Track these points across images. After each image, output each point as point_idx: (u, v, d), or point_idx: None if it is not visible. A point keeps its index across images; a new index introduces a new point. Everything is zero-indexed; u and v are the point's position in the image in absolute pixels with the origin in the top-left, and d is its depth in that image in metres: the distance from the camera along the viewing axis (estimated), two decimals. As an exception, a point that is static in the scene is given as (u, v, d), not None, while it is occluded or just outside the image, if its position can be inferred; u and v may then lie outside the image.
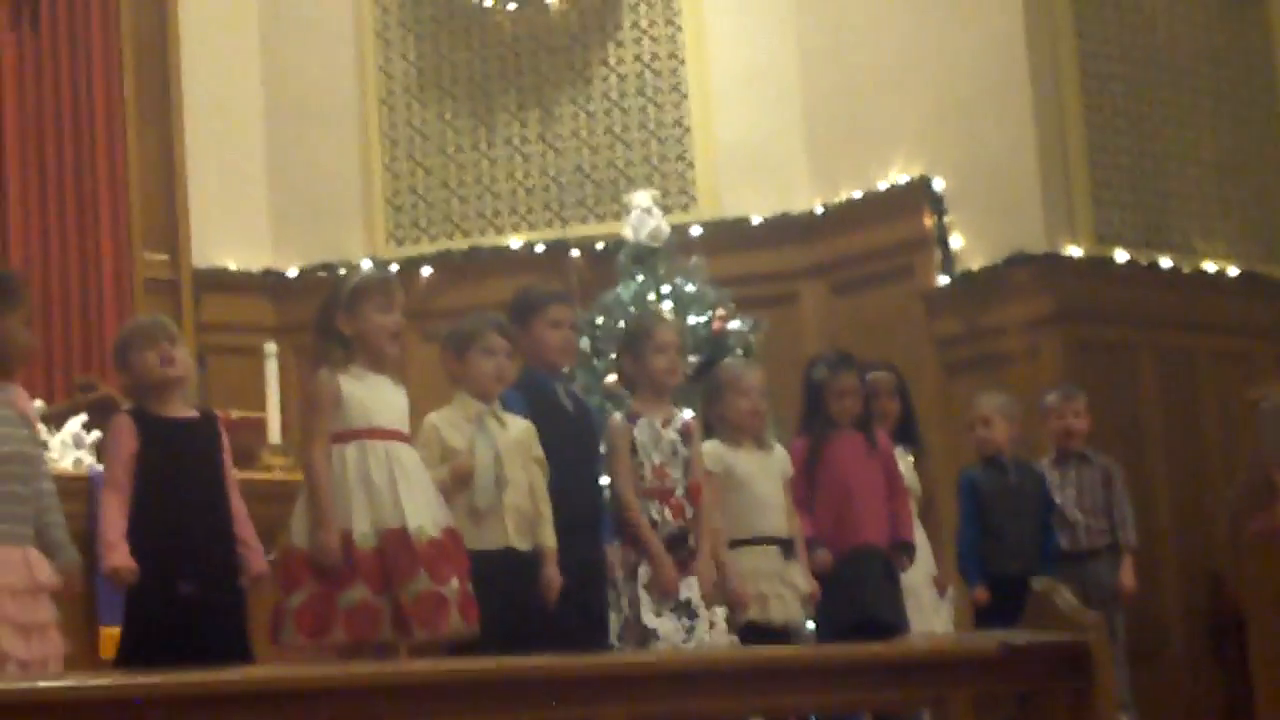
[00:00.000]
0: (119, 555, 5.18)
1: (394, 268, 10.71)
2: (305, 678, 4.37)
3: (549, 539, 5.78)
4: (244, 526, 5.50)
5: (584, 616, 5.97)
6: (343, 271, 10.55)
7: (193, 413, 5.56)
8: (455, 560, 5.36)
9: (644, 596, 6.04)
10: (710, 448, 6.43)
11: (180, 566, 5.25)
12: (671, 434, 6.24)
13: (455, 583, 5.31)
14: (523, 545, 5.74)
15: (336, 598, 5.24)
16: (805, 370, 6.89)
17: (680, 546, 6.12)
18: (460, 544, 5.43)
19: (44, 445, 5.45)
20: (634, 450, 6.21)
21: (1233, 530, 9.33)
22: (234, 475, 5.60)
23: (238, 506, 5.51)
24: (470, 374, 5.84)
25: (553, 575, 5.74)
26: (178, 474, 5.35)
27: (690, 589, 6.10)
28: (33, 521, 5.13)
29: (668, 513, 6.14)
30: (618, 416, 6.36)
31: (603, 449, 6.36)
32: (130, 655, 5.24)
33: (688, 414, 6.38)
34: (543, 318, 6.22)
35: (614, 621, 6.14)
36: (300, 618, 5.25)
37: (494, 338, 5.86)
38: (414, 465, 5.44)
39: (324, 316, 5.56)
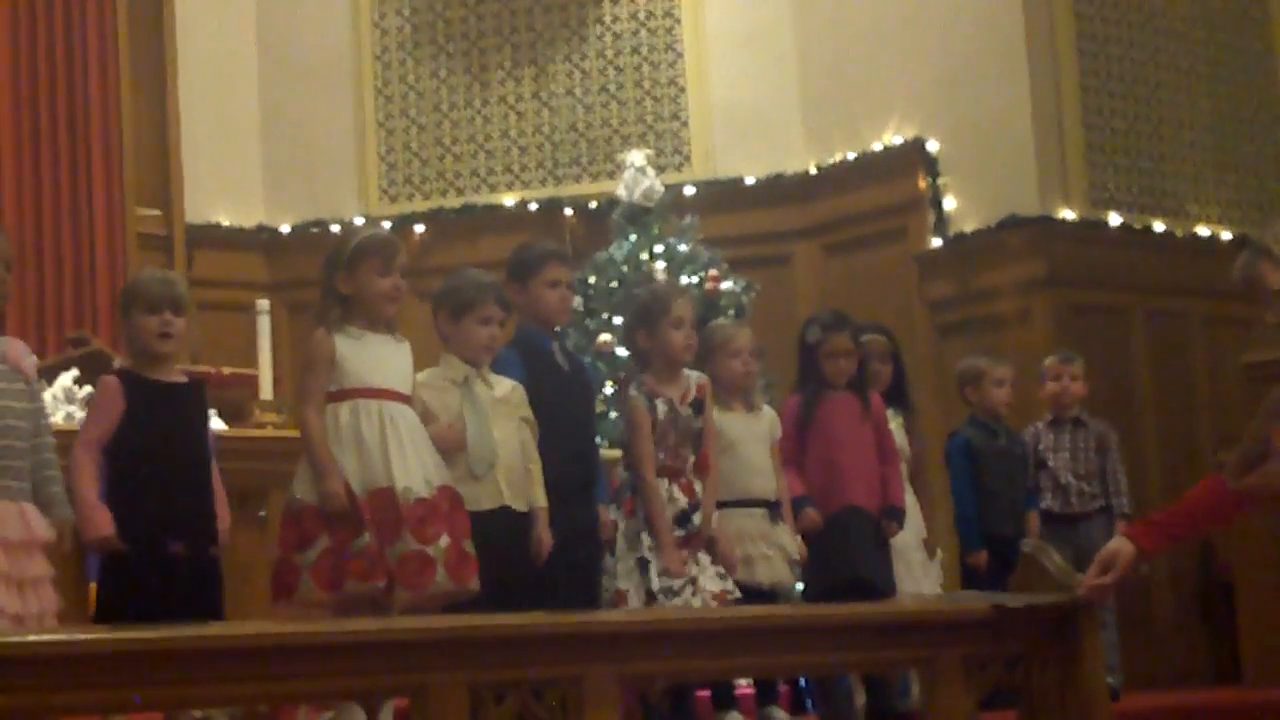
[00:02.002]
0: (102, 523, 5.17)
1: (387, 225, 10.68)
2: (301, 634, 4.38)
3: (540, 498, 5.78)
4: (218, 499, 5.49)
5: (575, 576, 5.98)
6: (335, 228, 10.56)
7: (181, 378, 5.55)
8: (448, 519, 5.36)
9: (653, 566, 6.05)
10: (700, 409, 6.43)
11: (168, 527, 5.25)
12: (687, 410, 6.22)
13: (444, 541, 5.30)
14: (518, 505, 5.74)
15: (348, 545, 5.24)
16: (800, 331, 6.89)
17: (686, 523, 6.12)
18: (457, 503, 5.42)
19: (40, 400, 5.41)
20: (652, 429, 6.18)
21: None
22: (212, 447, 5.57)
23: (215, 479, 5.49)
24: (463, 339, 5.82)
25: (543, 535, 5.75)
26: (162, 437, 5.34)
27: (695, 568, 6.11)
28: (29, 477, 5.13)
29: (677, 490, 6.14)
30: (639, 397, 6.26)
31: (612, 419, 6.34)
32: (110, 613, 5.22)
33: (697, 376, 6.34)
34: (541, 276, 6.19)
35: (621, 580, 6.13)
36: (318, 572, 5.23)
37: (493, 308, 5.84)
38: (409, 425, 5.42)
39: (325, 275, 5.56)
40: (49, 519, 5.12)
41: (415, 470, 5.34)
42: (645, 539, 6.06)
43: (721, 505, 6.30)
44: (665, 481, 6.14)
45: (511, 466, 5.75)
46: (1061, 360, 8.06)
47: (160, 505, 5.24)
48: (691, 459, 6.21)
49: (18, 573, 4.97)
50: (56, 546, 5.17)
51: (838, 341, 6.73)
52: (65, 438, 5.40)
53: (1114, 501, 7.89)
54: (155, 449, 5.30)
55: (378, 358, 5.46)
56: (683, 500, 6.13)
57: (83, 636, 4.16)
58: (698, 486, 6.18)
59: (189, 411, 5.48)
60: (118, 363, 5.66)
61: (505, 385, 5.87)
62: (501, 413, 5.79)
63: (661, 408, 6.18)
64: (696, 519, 6.14)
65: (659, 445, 6.16)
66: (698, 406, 6.25)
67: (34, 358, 5.35)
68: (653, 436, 6.15)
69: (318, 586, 5.23)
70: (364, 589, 5.25)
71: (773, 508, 6.45)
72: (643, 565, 6.03)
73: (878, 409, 6.81)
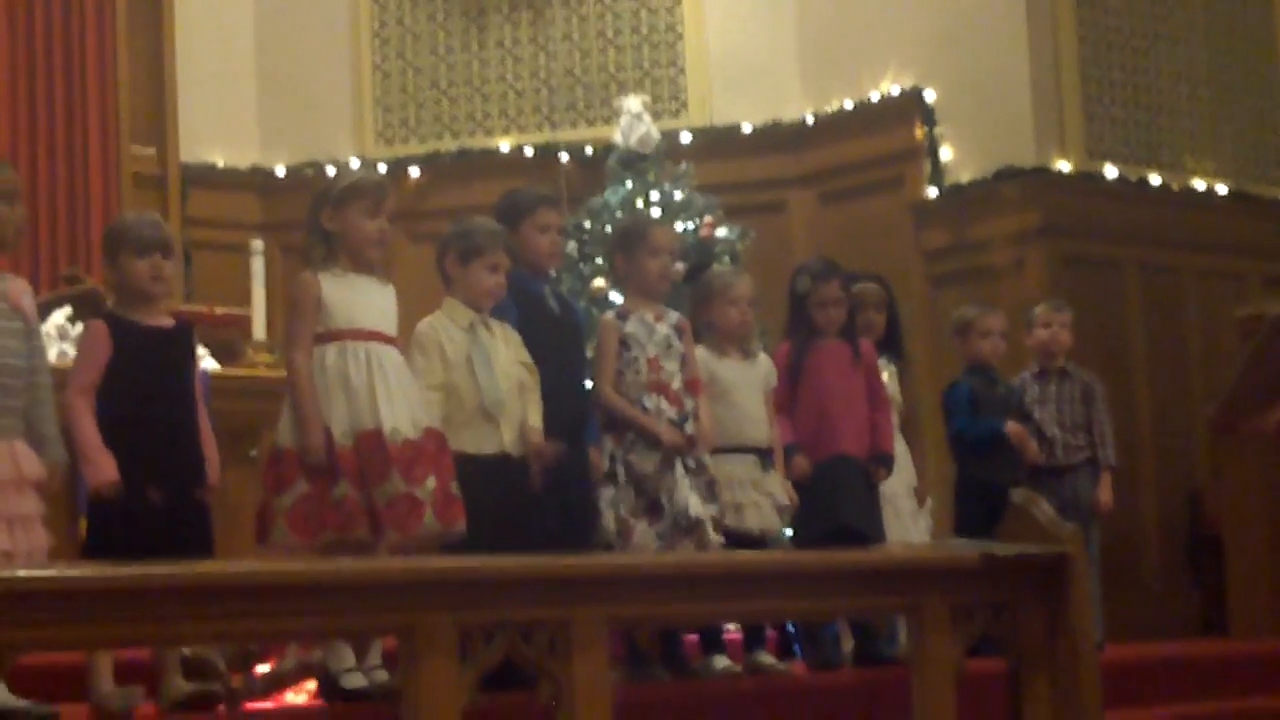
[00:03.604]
0: (108, 468, 5.17)
1: (382, 167, 10.69)
2: (291, 573, 4.40)
3: (536, 420, 5.79)
4: (207, 443, 5.48)
5: (567, 516, 5.99)
6: (331, 170, 10.54)
7: (169, 320, 5.53)
8: (434, 461, 5.36)
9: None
10: (696, 354, 6.43)
11: (148, 472, 5.24)
12: (665, 329, 6.24)
13: (431, 483, 5.31)
14: (517, 451, 5.76)
15: (327, 495, 5.25)
16: (790, 279, 6.88)
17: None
18: (442, 445, 5.43)
19: (39, 339, 5.40)
20: (627, 346, 6.20)
21: (1213, 446, 9.41)
22: (201, 390, 5.55)
23: (203, 422, 5.48)
24: (469, 283, 5.83)
25: (540, 444, 5.75)
26: (148, 381, 5.32)
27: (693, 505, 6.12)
28: (22, 415, 5.12)
29: (664, 402, 6.14)
30: (609, 315, 6.35)
31: (590, 349, 6.36)
32: (99, 553, 5.23)
33: (677, 314, 6.37)
34: (531, 221, 6.20)
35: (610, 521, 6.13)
36: (293, 517, 5.24)
37: (502, 255, 5.86)
38: (395, 367, 5.43)
39: (312, 210, 5.55)
40: (41, 458, 5.12)
41: (402, 412, 5.34)
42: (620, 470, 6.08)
43: (715, 451, 6.31)
44: (653, 395, 6.14)
45: (513, 411, 5.76)
46: (1052, 308, 8.05)
47: (141, 449, 5.23)
48: (679, 377, 6.22)
49: (7, 510, 4.97)
50: (47, 485, 5.17)
51: (827, 290, 6.73)
52: (58, 375, 5.39)
53: (1099, 453, 7.88)
54: (140, 393, 5.29)
55: (364, 299, 5.45)
56: (670, 411, 6.13)
57: (72, 573, 4.17)
58: (688, 403, 6.18)
59: (176, 355, 5.46)
60: (110, 302, 5.64)
61: (504, 331, 5.88)
62: (502, 358, 5.80)
63: (633, 322, 6.21)
64: (689, 427, 6.14)
65: (637, 354, 6.18)
66: (679, 332, 6.27)
67: (33, 297, 5.34)
68: (625, 350, 6.18)
69: (291, 531, 5.23)
70: (342, 539, 5.25)
71: (764, 455, 6.46)
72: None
73: (868, 356, 6.82)
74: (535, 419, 5.80)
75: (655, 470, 6.05)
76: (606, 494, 6.08)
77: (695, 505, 6.03)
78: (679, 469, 6.08)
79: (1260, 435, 5.07)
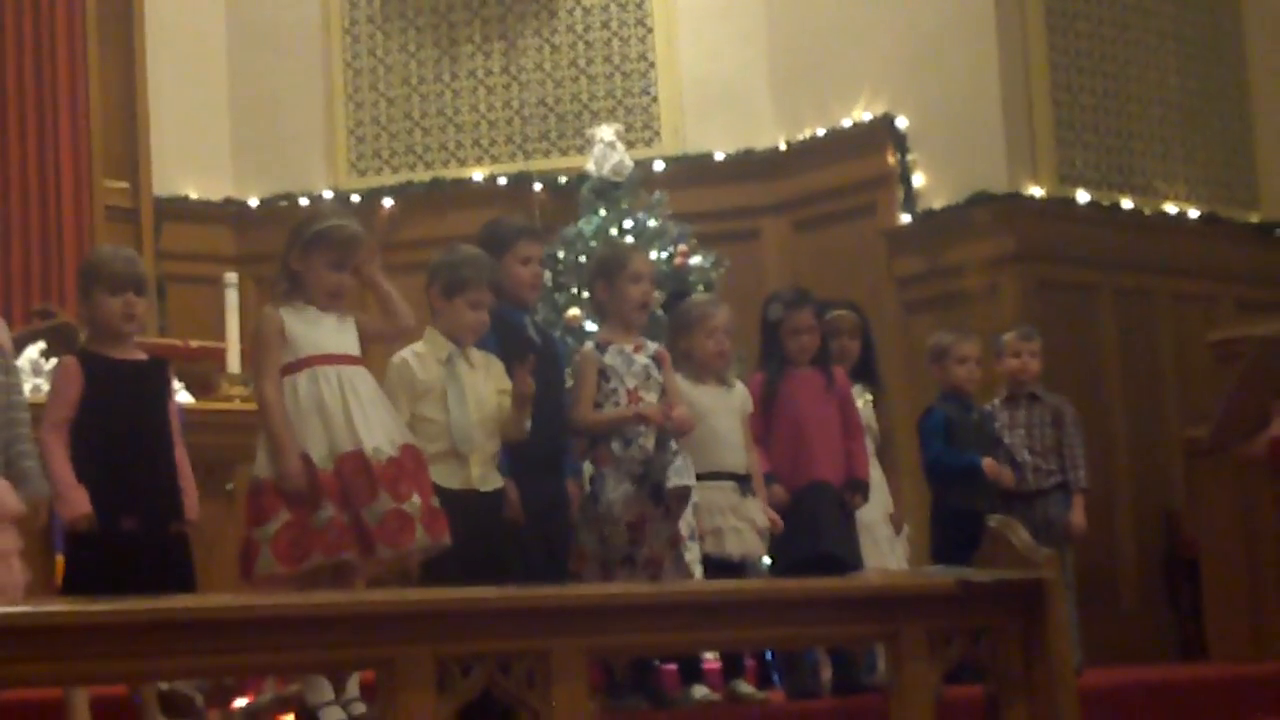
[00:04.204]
0: (80, 502, 5.16)
1: (355, 198, 10.70)
2: (267, 606, 4.38)
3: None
4: (184, 477, 5.46)
5: (543, 547, 5.99)
6: (304, 202, 10.55)
7: (142, 355, 5.52)
8: (415, 476, 5.37)
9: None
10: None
11: (123, 505, 5.23)
12: (644, 359, 6.25)
13: (417, 499, 5.32)
14: (484, 487, 5.76)
15: (309, 521, 5.24)
16: (762, 308, 6.89)
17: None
18: (419, 460, 5.43)
19: (16, 375, 5.38)
20: (606, 378, 6.21)
21: (1189, 469, 9.42)
22: (178, 424, 5.54)
23: (181, 457, 5.46)
24: (452, 318, 5.84)
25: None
26: (122, 416, 5.31)
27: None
28: (2, 452, 5.11)
29: (644, 428, 6.15)
30: (588, 345, 6.36)
31: (569, 379, 6.36)
32: (76, 589, 5.21)
33: (655, 344, 6.38)
34: (513, 253, 6.20)
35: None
36: (277, 545, 5.23)
37: (486, 293, 5.86)
38: (367, 387, 5.43)
39: (286, 245, 5.55)
40: (22, 494, 5.10)
41: (379, 431, 5.35)
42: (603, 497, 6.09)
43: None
44: (632, 426, 6.15)
45: (484, 448, 5.76)
46: (1021, 337, 8.06)
47: (116, 483, 5.22)
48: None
49: (-15, 546, 4.95)
50: (30, 521, 5.15)
51: (799, 318, 6.75)
52: (33, 410, 5.38)
53: (1070, 476, 7.89)
54: (113, 428, 5.29)
55: (326, 332, 5.45)
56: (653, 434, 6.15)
57: (48, 609, 4.16)
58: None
59: (149, 389, 5.45)
60: (84, 336, 5.63)
61: (484, 360, 5.88)
62: (481, 387, 5.80)
63: (612, 353, 6.22)
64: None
65: (616, 386, 6.18)
66: (658, 363, 6.28)
67: (7, 332, 5.33)
68: (604, 381, 6.19)
69: (277, 560, 5.22)
70: (331, 561, 5.24)
71: (742, 481, 6.46)
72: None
73: (841, 384, 6.83)
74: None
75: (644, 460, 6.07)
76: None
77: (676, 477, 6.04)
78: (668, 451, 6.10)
79: (1253, 458, 5.11)
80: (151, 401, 5.43)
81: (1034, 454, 7.90)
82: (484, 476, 5.75)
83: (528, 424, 5.83)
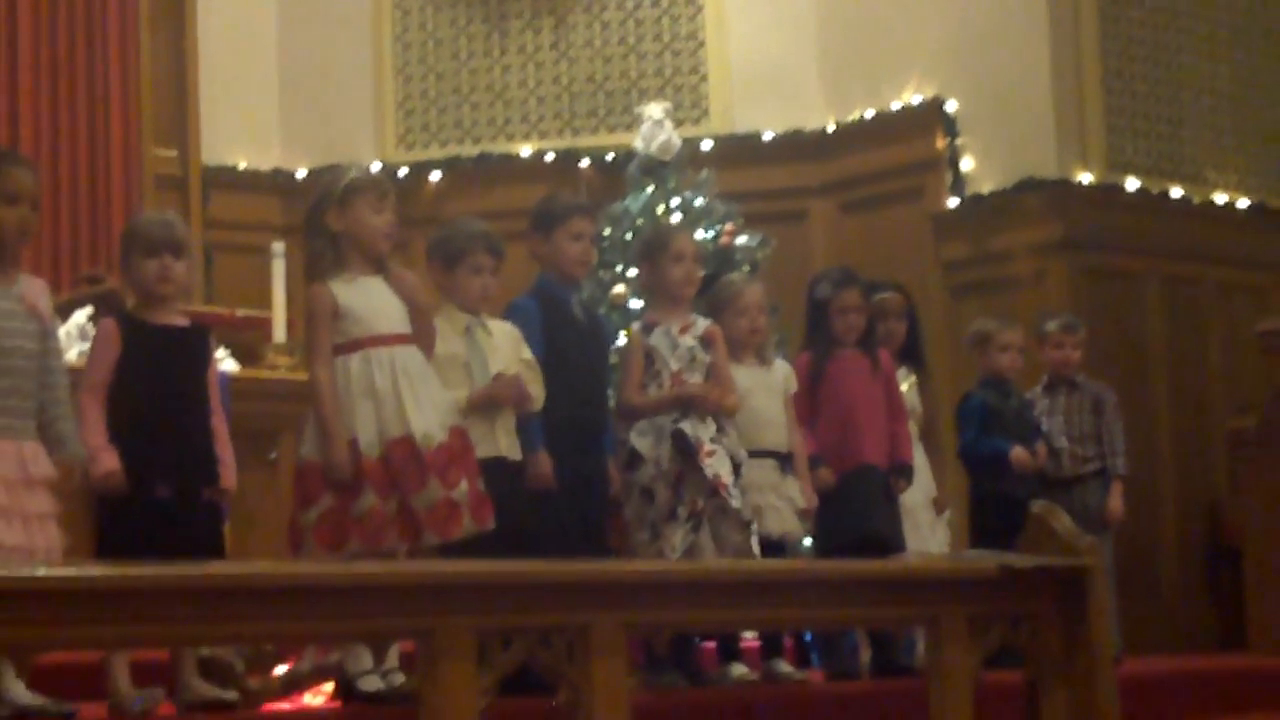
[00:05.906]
0: (108, 460, 5.17)
1: (403, 172, 10.71)
2: (309, 575, 4.38)
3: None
4: (222, 445, 5.46)
5: (582, 525, 5.99)
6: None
7: (183, 320, 5.52)
8: (463, 460, 5.37)
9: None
10: (717, 360, 6.43)
11: (157, 469, 5.24)
12: (689, 340, 6.24)
13: (464, 485, 5.32)
14: (513, 454, 5.76)
15: (350, 508, 5.24)
16: (808, 287, 6.87)
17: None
18: (468, 443, 5.43)
19: (56, 339, 5.39)
20: (651, 360, 6.21)
21: (1233, 459, 9.38)
22: (218, 392, 5.54)
23: (219, 424, 5.46)
24: (457, 289, 5.84)
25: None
26: (157, 381, 5.31)
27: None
28: (36, 416, 5.11)
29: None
30: (634, 327, 6.36)
31: (614, 360, 6.37)
32: (109, 552, 5.22)
33: (706, 322, 6.36)
34: (565, 229, 6.20)
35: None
36: (319, 532, 5.25)
37: (482, 256, 5.84)
38: (419, 369, 5.41)
39: (314, 213, 5.54)
40: (57, 457, 5.11)
41: (430, 415, 5.33)
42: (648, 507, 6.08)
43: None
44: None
45: (508, 417, 5.77)
46: (1063, 328, 8.02)
47: (149, 447, 5.23)
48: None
49: (19, 508, 4.96)
50: (64, 484, 5.16)
51: (847, 297, 6.73)
52: (76, 375, 5.39)
53: (1110, 463, 7.86)
54: (148, 392, 5.28)
55: (379, 302, 5.43)
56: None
57: (87, 573, 4.16)
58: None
59: (186, 355, 5.43)
60: (131, 302, 5.64)
61: (503, 330, 5.88)
62: (501, 356, 5.79)
63: (657, 335, 6.21)
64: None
65: (660, 369, 6.18)
66: (706, 343, 6.26)
67: (50, 297, 5.33)
68: (649, 364, 6.18)
69: (319, 546, 5.24)
70: (369, 550, 5.25)
71: (783, 459, 6.45)
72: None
73: (887, 366, 6.81)
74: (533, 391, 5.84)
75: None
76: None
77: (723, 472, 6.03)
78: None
79: None
80: (188, 367, 5.42)
81: (1072, 440, 7.88)
82: (512, 445, 5.76)
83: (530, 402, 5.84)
